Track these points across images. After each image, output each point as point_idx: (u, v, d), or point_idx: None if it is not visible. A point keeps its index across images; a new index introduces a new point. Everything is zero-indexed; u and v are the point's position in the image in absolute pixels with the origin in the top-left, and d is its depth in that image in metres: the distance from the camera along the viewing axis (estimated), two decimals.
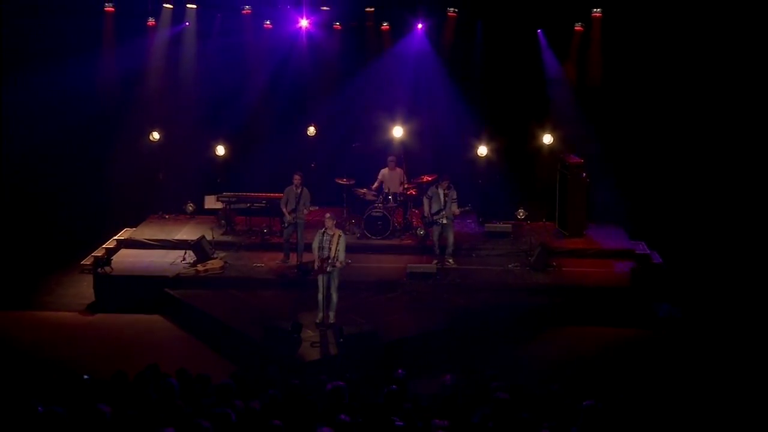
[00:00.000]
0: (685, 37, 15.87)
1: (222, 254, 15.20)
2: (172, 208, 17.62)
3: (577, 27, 17.06)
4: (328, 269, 12.36)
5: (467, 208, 15.12)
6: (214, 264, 14.72)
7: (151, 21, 17.38)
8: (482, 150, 16.85)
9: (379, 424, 6.28)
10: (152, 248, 15.75)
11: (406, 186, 16.12)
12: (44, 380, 8.54)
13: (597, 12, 16.71)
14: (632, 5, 16.22)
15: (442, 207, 14.52)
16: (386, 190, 15.95)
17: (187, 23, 17.59)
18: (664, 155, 16.40)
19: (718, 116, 16.04)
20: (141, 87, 17.54)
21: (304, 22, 17.57)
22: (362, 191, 16.28)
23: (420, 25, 17.50)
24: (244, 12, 17.39)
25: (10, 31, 15.83)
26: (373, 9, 17.44)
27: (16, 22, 15.84)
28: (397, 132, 16.97)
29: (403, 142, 16.93)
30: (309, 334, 12.21)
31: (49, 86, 15.98)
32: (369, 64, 17.77)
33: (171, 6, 17.32)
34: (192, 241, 15.22)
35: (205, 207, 17.37)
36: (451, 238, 14.82)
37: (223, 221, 16.46)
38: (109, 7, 16.89)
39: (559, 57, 17.36)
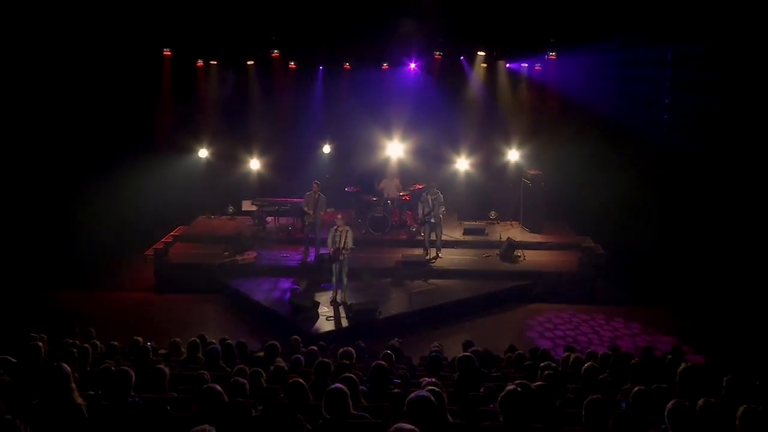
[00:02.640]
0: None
1: (256, 246, 15.18)
2: (216, 210, 17.61)
3: (537, 66, 17.11)
4: (339, 258, 12.39)
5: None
6: (249, 255, 14.74)
7: (199, 62, 17.44)
8: (462, 164, 16.85)
9: (380, 381, 6.28)
10: (201, 242, 15.76)
11: (401, 192, 16.15)
12: (116, 345, 8.59)
13: (552, 55, 16.78)
14: (583, 51, 16.25)
15: (431, 209, 14.53)
16: (385, 196, 15.96)
17: (231, 72, 17.64)
18: (603, 169, 16.41)
19: (643, 139, 16.09)
20: (191, 115, 17.58)
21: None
22: (367, 197, 16.30)
23: (413, 65, 17.56)
24: (274, 55, 17.43)
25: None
26: (375, 52, 17.50)
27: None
28: (395, 150, 16.98)
29: (399, 158, 16.94)
30: (324, 310, 12.24)
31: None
32: (372, 96, 17.82)
33: (215, 62, 17.42)
34: (232, 235, 15.24)
35: (243, 209, 17.42)
36: (439, 234, 14.83)
37: (256, 220, 16.48)
38: (167, 51, 16.96)
39: (524, 90, 17.40)
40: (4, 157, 15.05)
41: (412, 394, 4.36)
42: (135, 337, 8.90)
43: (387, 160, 16.98)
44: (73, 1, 14.67)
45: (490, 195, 17.52)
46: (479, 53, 17.23)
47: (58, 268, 14.19)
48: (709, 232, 14.60)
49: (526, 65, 17.32)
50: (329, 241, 12.49)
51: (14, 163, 15.31)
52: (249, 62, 17.62)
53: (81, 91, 15.84)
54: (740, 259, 13.56)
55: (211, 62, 17.58)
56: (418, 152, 17.45)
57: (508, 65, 17.37)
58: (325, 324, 11.86)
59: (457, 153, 17.02)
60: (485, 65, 17.38)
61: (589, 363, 6.97)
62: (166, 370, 6.27)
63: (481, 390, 6.42)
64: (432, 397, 4.32)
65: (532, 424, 4.89)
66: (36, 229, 15.25)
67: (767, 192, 13.90)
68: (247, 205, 17.25)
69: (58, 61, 15.32)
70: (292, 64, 17.73)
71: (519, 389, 4.81)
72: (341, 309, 12.32)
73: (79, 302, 13.13)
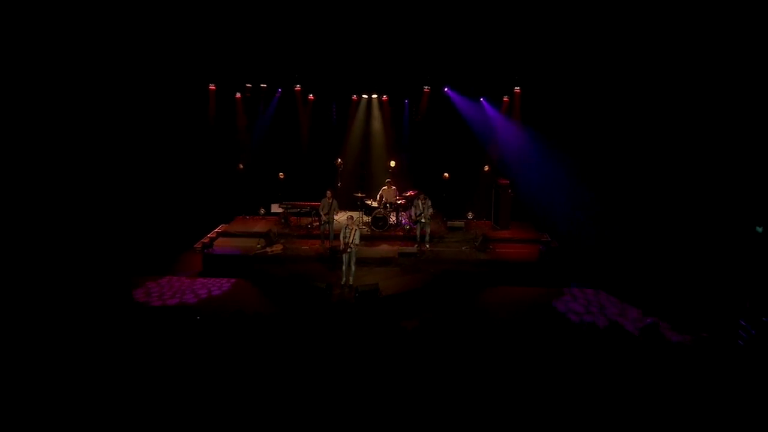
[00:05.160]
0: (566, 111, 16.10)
1: (282, 241, 15.24)
2: (251, 212, 17.63)
3: (505, 98, 17.15)
4: (348, 250, 12.45)
5: (434, 211, 15.18)
6: (277, 247, 14.79)
7: (237, 94, 17.48)
8: (446, 174, 16.90)
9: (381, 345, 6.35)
10: (238, 237, 15.80)
11: (397, 198, 16.20)
12: (171, 318, 8.64)
13: (517, 89, 16.82)
14: (543, 86, 16.33)
15: (421, 211, 14.58)
16: (385, 200, 16.01)
17: (261, 103, 17.68)
18: (558, 182, 16.48)
19: (589, 161, 16.17)
20: (231, 136, 17.64)
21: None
22: (370, 201, 16.34)
23: (406, 101, 17.66)
24: (296, 89, 17.48)
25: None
26: (377, 87, 17.55)
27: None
28: (392, 164, 17.03)
29: (396, 170, 16.98)
30: (336, 291, 12.31)
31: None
32: (375, 121, 17.88)
33: (250, 85, 17.44)
34: (263, 232, 15.29)
35: (272, 211, 17.45)
36: (428, 231, 14.88)
37: (282, 220, 16.53)
38: (212, 86, 17.01)
39: (495, 116, 17.45)
40: (90, 173, 15.37)
41: None
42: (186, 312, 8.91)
43: (387, 172, 17.02)
44: (150, 55, 15.31)
45: (469, 199, 17.57)
46: (459, 87, 17.30)
47: (129, 257, 14.37)
48: (641, 229, 14.75)
49: (497, 97, 17.37)
50: (341, 236, 12.55)
51: (95, 177, 15.60)
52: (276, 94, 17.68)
53: (150, 117, 16.05)
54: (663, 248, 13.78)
55: (247, 94, 17.62)
56: (411, 165, 17.51)
57: (482, 99, 17.40)
58: (337, 302, 11.91)
59: (443, 166, 17.07)
60: (465, 96, 17.45)
61: None
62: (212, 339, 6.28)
63: None
64: None
65: None
66: (110, 227, 15.37)
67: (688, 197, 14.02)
68: (275, 208, 17.28)
69: (140, 96, 15.71)
70: (310, 96, 17.78)
71: None
72: (349, 290, 12.39)
73: (146, 283, 13.29)
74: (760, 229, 10.98)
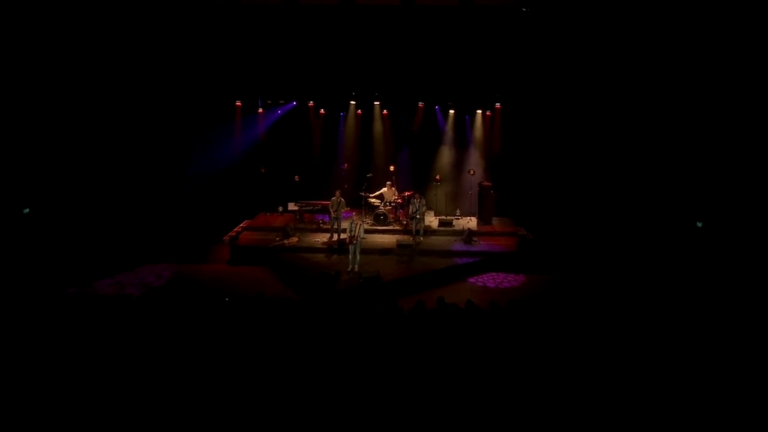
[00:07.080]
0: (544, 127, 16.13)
1: (297, 234, 15.33)
2: (270, 209, 17.74)
3: (488, 113, 17.22)
4: (354, 242, 12.56)
5: (430, 208, 15.27)
6: (293, 240, 14.90)
7: (260, 110, 17.58)
8: (438, 177, 16.98)
9: (381, 325, 6.49)
10: (260, 231, 15.91)
11: (396, 197, 16.31)
12: (204, 300, 8.78)
13: (498, 105, 16.89)
14: (520, 102, 16.41)
15: (417, 209, 14.69)
16: (385, 199, 16.12)
17: (279, 111, 17.74)
18: (533, 184, 16.57)
19: (562, 170, 16.26)
20: (255, 146, 17.75)
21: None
22: (373, 200, 16.44)
23: (404, 117, 17.76)
24: (310, 105, 17.58)
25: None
26: (378, 102, 17.62)
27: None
28: (392, 168, 17.11)
29: (395, 173, 17.07)
30: (344, 277, 12.41)
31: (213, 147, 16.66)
32: (376, 131, 17.96)
33: (270, 101, 17.54)
34: (281, 227, 15.39)
35: (288, 209, 17.52)
36: (422, 226, 14.98)
37: (297, 216, 16.62)
38: (238, 102, 17.12)
39: (477, 131, 17.52)
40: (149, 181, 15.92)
41: None
42: (217, 294, 9.04)
43: (387, 175, 17.12)
44: (196, 81, 15.95)
45: (457, 198, 17.65)
46: (449, 103, 17.38)
47: (173, 248, 14.58)
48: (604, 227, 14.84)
49: (480, 112, 17.45)
50: (348, 230, 12.66)
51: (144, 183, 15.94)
52: (291, 108, 17.78)
53: (187, 130, 16.25)
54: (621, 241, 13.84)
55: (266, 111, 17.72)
56: (408, 170, 17.59)
57: (467, 116, 17.49)
58: (344, 287, 12.01)
59: (434, 170, 17.17)
60: (453, 112, 17.52)
61: None
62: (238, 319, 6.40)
63: None
64: None
65: None
66: (154, 223, 15.61)
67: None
68: (291, 206, 17.35)
69: (181, 114, 16.14)
70: (322, 111, 17.87)
71: None
72: (355, 276, 12.45)
73: (183, 271, 13.44)
74: (700, 224, 11.09)
